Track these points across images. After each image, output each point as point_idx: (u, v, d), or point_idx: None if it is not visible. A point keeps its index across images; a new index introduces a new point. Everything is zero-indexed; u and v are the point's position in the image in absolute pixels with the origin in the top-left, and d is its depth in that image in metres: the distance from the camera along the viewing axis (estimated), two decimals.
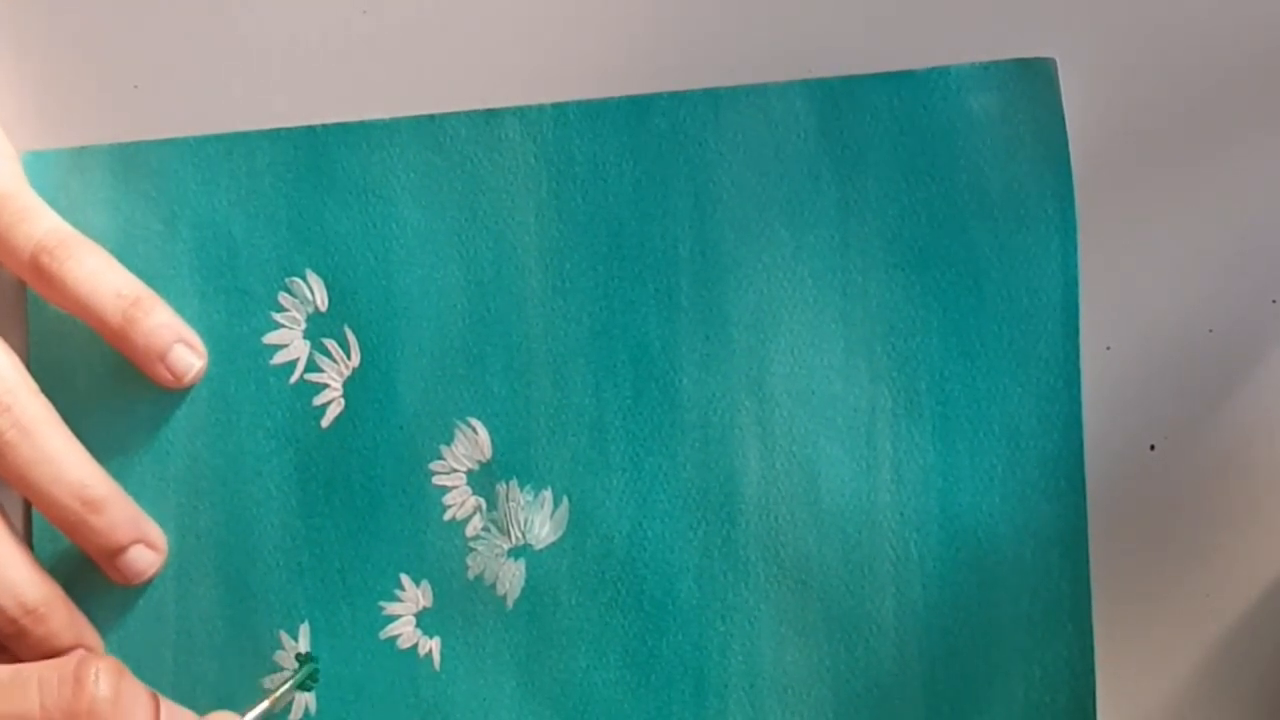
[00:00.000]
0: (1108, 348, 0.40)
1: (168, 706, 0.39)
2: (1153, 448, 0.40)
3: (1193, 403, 0.40)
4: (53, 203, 0.42)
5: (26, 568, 0.40)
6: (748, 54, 0.41)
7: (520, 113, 0.41)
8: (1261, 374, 0.39)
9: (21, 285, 0.43)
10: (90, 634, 0.41)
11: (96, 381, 0.43)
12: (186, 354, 0.42)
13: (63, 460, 0.40)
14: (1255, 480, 0.40)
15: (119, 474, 0.42)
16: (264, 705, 0.41)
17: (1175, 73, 0.39)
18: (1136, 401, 0.40)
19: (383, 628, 0.42)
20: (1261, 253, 0.39)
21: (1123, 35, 0.40)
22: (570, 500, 0.41)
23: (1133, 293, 0.40)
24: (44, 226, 0.41)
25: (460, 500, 0.42)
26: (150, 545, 0.42)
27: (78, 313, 0.41)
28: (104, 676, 0.37)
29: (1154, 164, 0.40)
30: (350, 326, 0.42)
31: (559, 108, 0.41)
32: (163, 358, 0.42)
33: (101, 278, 0.41)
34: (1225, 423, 0.40)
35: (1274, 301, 0.39)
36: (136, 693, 0.38)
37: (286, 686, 0.42)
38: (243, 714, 0.41)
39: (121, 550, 0.42)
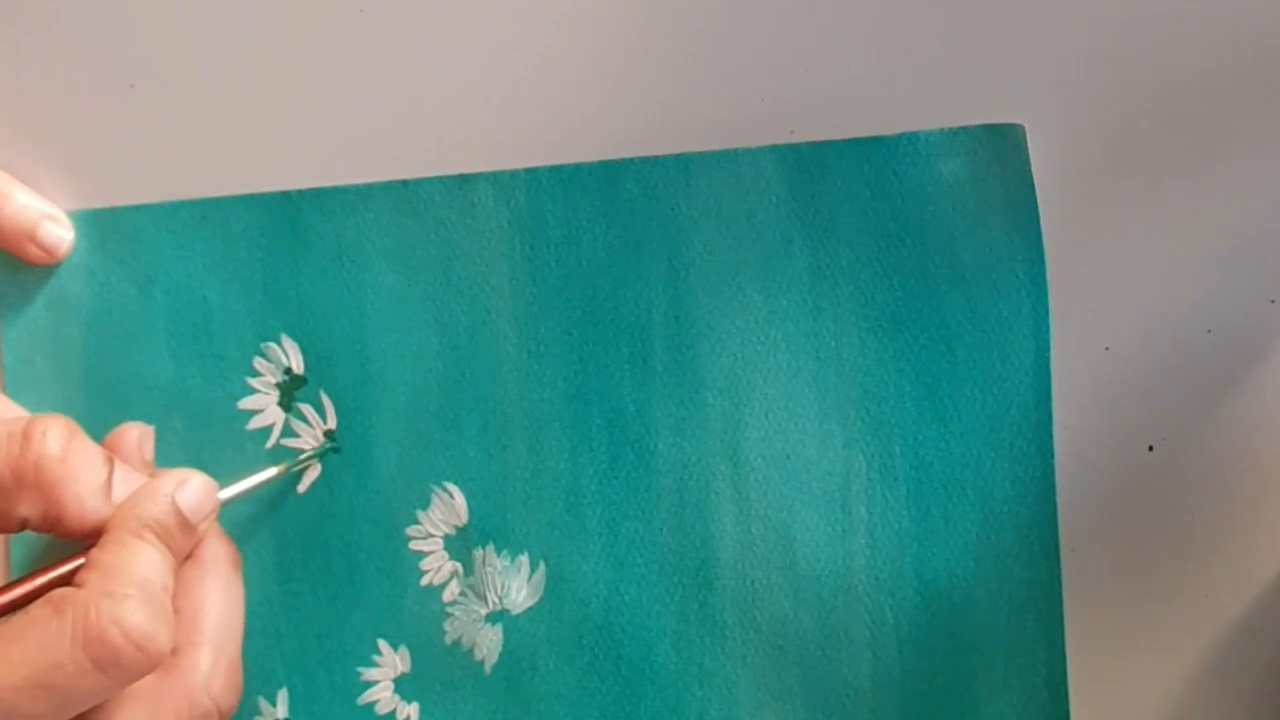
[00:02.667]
0: (1106, 348, 0.40)
1: (123, 469, 0.37)
2: (1151, 448, 0.40)
3: (1191, 403, 0.40)
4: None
5: None
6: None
7: (493, 178, 0.41)
8: (1260, 374, 0.40)
9: None
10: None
11: None
12: (55, 229, 0.42)
13: None
14: (1254, 480, 0.40)
15: None
16: (267, 475, 0.41)
17: (1162, 80, 0.40)
18: (1135, 402, 0.40)
19: (361, 693, 0.42)
20: (1259, 253, 0.40)
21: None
22: (547, 565, 0.41)
23: (1131, 293, 0.40)
24: None
25: (437, 565, 0.42)
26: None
27: None
28: (53, 434, 0.36)
29: (1153, 165, 0.40)
30: (326, 391, 0.42)
31: (531, 173, 0.41)
32: (32, 236, 0.42)
33: None
34: (1224, 423, 0.40)
35: (1272, 302, 0.40)
36: (88, 452, 0.36)
37: (305, 457, 0.42)
38: (224, 485, 0.39)
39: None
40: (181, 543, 0.36)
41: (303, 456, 0.41)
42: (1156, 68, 0.40)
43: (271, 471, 0.41)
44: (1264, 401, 0.40)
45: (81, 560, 0.36)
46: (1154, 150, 0.40)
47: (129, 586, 0.34)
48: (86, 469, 0.36)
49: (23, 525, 0.36)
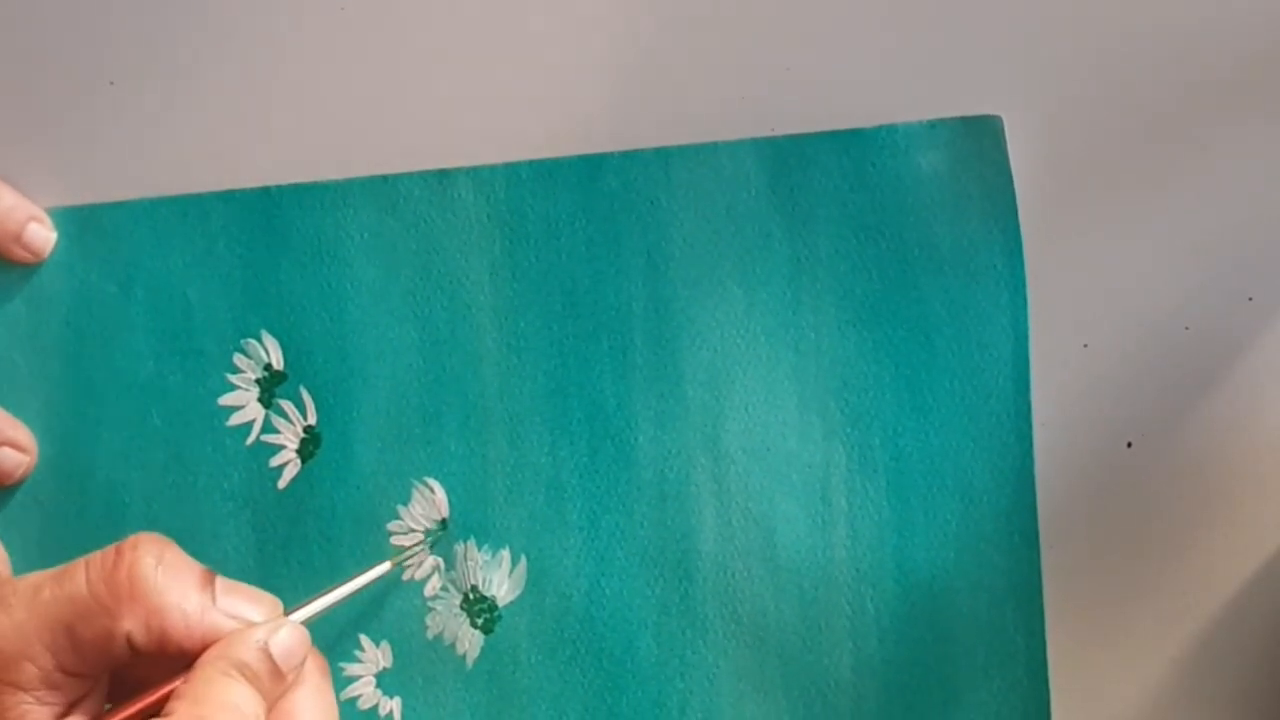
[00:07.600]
0: (1085, 345, 0.40)
1: (225, 581, 0.36)
2: (1130, 445, 0.40)
3: (1170, 400, 0.40)
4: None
5: None
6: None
7: (473, 173, 0.42)
8: (1238, 371, 0.40)
9: None
10: None
11: None
12: (40, 230, 0.42)
13: None
14: (1231, 477, 0.40)
15: (75, 538, 0.42)
16: (377, 572, 0.40)
17: (1141, 74, 0.40)
18: (1114, 399, 0.40)
19: (343, 689, 0.42)
20: (1238, 250, 0.40)
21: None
22: (528, 559, 0.41)
23: (1110, 291, 0.40)
24: None
25: (418, 560, 0.42)
26: (17, 447, 0.42)
27: None
28: (145, 546, 0.35)
29: (1132, 160, 0.40)
30: (306, 387, 0.42)
31: (511, 167, 0.41)
32: (17, 239, 0.42)
33: None
34: (1202, 420, 0.40)
35: (1250, 299, 0.40)
36: (182, 564, 0.35)
37: (412, 548, 0.41)
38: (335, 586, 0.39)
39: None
40: (270, 688, 0.35)
41: (410, 549, 0.41)
42: (1135, 61, 0.40)
43: (383, 567, 0.40)
44: (1242, 398, 0.40)
45: (171, 686, 0.34)
46: (1133, 145, 0.40)
47: (219, 712, 0.33)
48: (184, 575, 0.35)
49: (130, 645, 0.34)
